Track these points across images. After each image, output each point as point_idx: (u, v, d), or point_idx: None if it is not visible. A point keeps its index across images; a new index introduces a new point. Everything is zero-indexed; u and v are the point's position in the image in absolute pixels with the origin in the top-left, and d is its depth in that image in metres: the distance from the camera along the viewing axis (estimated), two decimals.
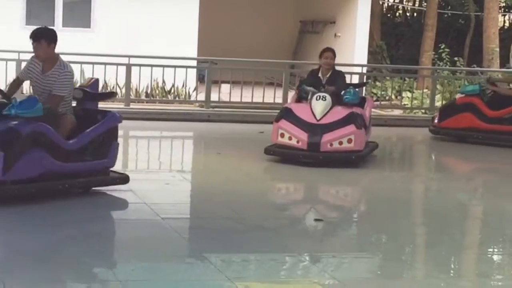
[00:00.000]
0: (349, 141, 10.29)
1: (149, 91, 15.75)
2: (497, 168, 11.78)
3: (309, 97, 10.68)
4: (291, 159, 10.29)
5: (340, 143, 10.27)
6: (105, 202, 8.13)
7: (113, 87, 15.33)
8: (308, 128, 10.31)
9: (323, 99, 10.49)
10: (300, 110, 10.57)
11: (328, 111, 10.44)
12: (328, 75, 11.00)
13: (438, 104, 16.77)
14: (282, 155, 10.46)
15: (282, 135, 10.45)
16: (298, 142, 10.30)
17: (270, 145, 10.81)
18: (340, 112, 10.48)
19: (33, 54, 8.25)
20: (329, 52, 11.17)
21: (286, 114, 10.61)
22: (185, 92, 15.94)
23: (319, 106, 10.48)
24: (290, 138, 10.37)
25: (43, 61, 8.18)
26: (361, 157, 10.53)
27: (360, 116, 10.60)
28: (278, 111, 11.26)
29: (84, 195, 8.13)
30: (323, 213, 8.35)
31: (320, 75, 11.07)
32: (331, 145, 10.25)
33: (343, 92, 10.68)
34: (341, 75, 11.22)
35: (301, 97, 10.99)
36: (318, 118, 10.40)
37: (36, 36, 8.13)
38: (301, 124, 10.39)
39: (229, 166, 10.51)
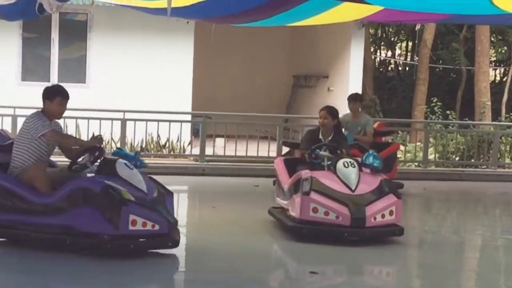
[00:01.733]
0: (391, 213, 9.15)
1: (144, 146, 15.85)
2: None
3: (325, 163, 9.60)
4: (331, 238, 8.98)
5: (383, 216, 9.11)
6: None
7: (108, 141, 15.43)
8: (347, 200, 9.02)
9: (352, 165, 9.35)
10: (328, 179, 9.27)
11: (358, 180, 9.30)
12: (330, 137, 10.06)
13: (431, 157, 16.94)
14: (320, 233, 9.04)
15: (316, 210, 9.00)
16: (338, 217, 8.96)
17: (275, 206, 10.30)
18: (371, 180, 9.39)
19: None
20: (323, 111, 10.19)
21: (315, 185, 9.14)
22: (180, 146, 16.04)
23: (351, 174, 9.29)
24: (326, 214, 8.98)
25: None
26: (403, 231, 9.29)
27: (392, 183, 9.66)
28: (272, 164, 10.90)
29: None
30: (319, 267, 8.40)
31: (320, 136, 10.13)
32: (375, 219, 9.03)
33: (366, 156, 9.64)
34: (344, 137, 10.43)
35: (313, 163, 9.75)
36: (353, 188, 9.16)
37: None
38: (336, 196, 9.07)
39: (224, 219, 10.54)
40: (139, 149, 15.69)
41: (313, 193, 9.03)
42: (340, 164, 9.33)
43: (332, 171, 9.37)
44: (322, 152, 9.70)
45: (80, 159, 8.28)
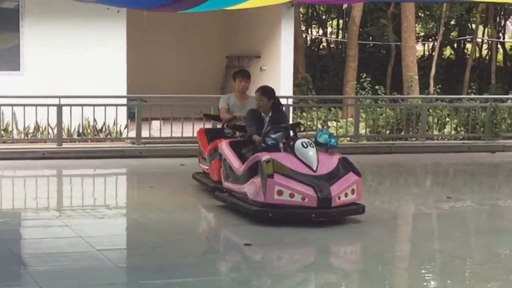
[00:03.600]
0: (353, 191, 9.10)
1: (80, 130, 16.01)
2: None
3: (281, 144, 9.43)
4: (298, 220, 8.89)
5: (346, 195, 9.03)
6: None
7: (45, 127, 15.58)
8: (311, 181, 8.90)
9: (311, 145, 9.25)
10: (288, 161, 9.11)
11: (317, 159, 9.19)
12: (270, 114, 10.07)
13: (362, 131, 17.43)
14: (287, 216, 8.90)
15: (281, 193, 8.80)
16: (304, 199, 8.81)
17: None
18: (330, 159, 9.31)
19: None
20: (257, 92, 10.24)
21: (277, 167, 8.94)
22: (116, 130, 16.22)
23: (311, 154, 9.17)
24: (292, 195, 8.80)
25: None
26: (364, 209, 9.28)
27: (350, 161, 9.47)
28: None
29: None
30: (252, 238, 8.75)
31: (263, 114, 10.11)
32: (339, 198, 8.95)
33: (320, 135, 9.60)
34: (284, 114, 10.62)
35: (267, 145, 9.50)
36: (314, 168, 9.06)
37: None
38: (299, 177, 8.93)
39: (161, 198, 10.85)
40: (76, 134, 15.89)
41: (277, 176, 8.83)
42: (298, 144, 9.23)
43: (289, 152, 9.28)
44: (273, 135, 9.53)
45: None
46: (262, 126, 9.90)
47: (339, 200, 8.94)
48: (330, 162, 9.23)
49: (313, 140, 9.45)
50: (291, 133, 9.89)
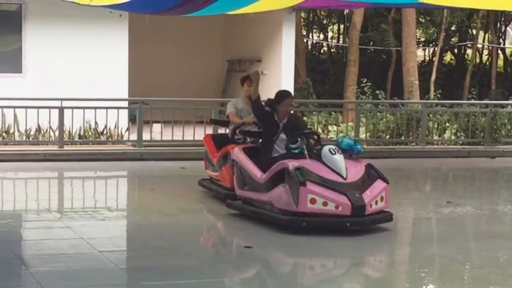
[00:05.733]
0: (382, 199, 8.93)
1: (82, 133, 16.05)
2: None
3: (305, 152, 9.17)
4: (332, 229, 8.65)
5: (376, 202, 8.86)
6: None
7: (47, 130, 15.63)
8: (344, 189, 8.67)
9: (339, 152, 9.00)
10: (317, 168, 8.85)
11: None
12: (285, 121, 9.62)
13: (362, 136, 17.47)
14: (321, 225, 8.65)
15: (314, 201, 8.54)
16: (337, 207, 8.58)
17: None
18: (357, 166, 9.09)
19: None
20: (291, 99, 9.88)
21: (308, 175, 8.69)
22: (118, 133, 16.28)
23: (340, 161, 8.92)
24: (325, 204, 8.56)
25: None
26: (392, 217, 9.15)
27: (375, 167, 9.25)
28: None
29: None
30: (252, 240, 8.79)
31: (276, 118, 9.65)
32: (371, 206, 8.76)
33: (342, 140, 9.46)
34: (302, 120, 10.38)
35: (290, 151, 9.33)
36: (345, 175, 8.81)
37: None
38: (332, 185, 8.68)
39: (162, 201, 10.90)
40: (77, 136, 15.94)
41: (309, 183, 8.57)
42: (325, 151, 8.97)
43: (315, 159, 9.04)
44: (293, 145, 9.31)
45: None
46: (275, 132, 9.55)
47: (371, 208, 8.78)
48: (358, 169, 9.02)
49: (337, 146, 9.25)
50: (315, 139, 9.60)
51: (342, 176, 8.79)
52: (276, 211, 8.89)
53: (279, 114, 9.59)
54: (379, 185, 8.98)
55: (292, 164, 8.80)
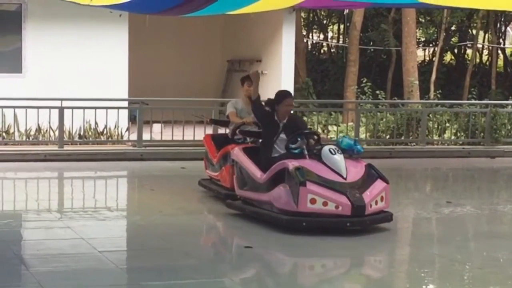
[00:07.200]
0: (382, 199, 8.94)
1: (82, 133, 16.06)
2: None
3: (305, 152, 9.15)
4: (332, 229, 8.68)
5: (376, 202, 8.87)
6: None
7: (47, 130, 15.64)
8: (344, 189, 8.68)
9: (339, 152, 9.01)
10: (317, 168, 8.86)
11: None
12: (285, 121, 9.61)
13: (362, 136, 17.47)
14: (321, 225, 8.68)
15: (314, 201, 8.54)
16: (337, 207, 8.58)
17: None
18: (357, 166, 9.11)
19: None
20: (291, 98, 9.86)
21: (307, 175, 8.71)
22: (118, 133, 16.28)
23: (340, 161, 8.93)
24: (325, 204, 8.56)
25: None
26: (392, 217, 9.17)
27: (375, 167, 9.25)
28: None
29: None
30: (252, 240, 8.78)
31: (276, 118, 9.64)
32: (371, 206, 8.77)
33: (342, 140, 9.46)
34: (302, 120, 10.38)
35: (290, 152, 9.27)
36: (345, 175, 8.83)
37: None
38: (332, 185, 8.70)
39: (162, 201, 10.90)
40: (77, 136, 15.95)
41: (309, 183, 8.57)
42: (325, 151, 8.97)
43: (315, 158, 9.02)
44: (293, 145, 9.29)
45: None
46: (275, 132, 9.54)
47: (371, 208, 8.78)
48: (358, 169, 9.03)
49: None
50: (315, 139, 9.58)
51: (342, 176, 8.79)
52: (276, 211, 8.88)
53: (279, 114, 9.58)
54: (379, 185, 8.98)
55: (292, 164, 8.79)
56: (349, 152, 9.26)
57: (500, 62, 31.64)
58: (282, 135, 9.51)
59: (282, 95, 9.75)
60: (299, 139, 9.32)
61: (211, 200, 10.78)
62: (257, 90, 9.80)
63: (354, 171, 8.94)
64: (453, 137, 17.97)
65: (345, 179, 8.78)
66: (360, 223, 8.78)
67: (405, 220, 10.46)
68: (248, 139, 10.66)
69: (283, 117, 9.60)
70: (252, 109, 9.97)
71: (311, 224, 8.62)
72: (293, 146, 9.29)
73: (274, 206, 8.92)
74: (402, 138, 17.57)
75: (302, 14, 28.56)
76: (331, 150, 8.98)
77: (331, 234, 8.61)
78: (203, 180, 11.52)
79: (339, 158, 8.92)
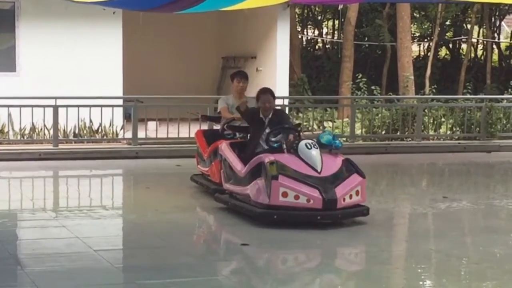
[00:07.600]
0: (357, 193, 9.00)
1: (76, 131, 16.03)
2: None
3: (284, 146, 9.24)
4: (303, 222, 8.79)
5: (350, 196, 8.94)
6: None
7: (41, 128, 15.60)
8: (316, 183, 8.77)
9: (315, 147, 9.10)
10: (292, 162, 8.98)
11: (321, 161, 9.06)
12: (270, 116, 9.83)
13: (358, 132, 17.45)
14: (292, 218, 8.79)
15: (285, 195, 8.68)
16: (309, 201, 8.69)
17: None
18: (333, 160, 9.17)
19: None
20: (267, 95, 9.93)
21: (281, 169, 8.82)
22: (113, 131, 16.25)
23: (315, 155, 9.03)
24: (297, 197, 8.68)
25: None
26: (369, 211, 9.20)
27: (353, 162, 9.32)
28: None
29: None
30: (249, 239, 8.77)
31: (261, 115, 9.87)
32: (344, 200, 8.85)
33: (322, 136, 9.48)
34: (286, 115, 10.57)
35: (270, 146, 9.44)
36: (319, 169, 8.92)
37: None
38: (304, 178, 8.81)
39: (158, 199, 10.88)
40: (72, 135, 15.91)
41: (282, 177, 8.71)
42: (302, 145, 9.09)
43: (293, 153, 9.12)
44: (273, 139, 9.46)
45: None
46: (261, 128, 9.75)
47: (344, 202, 8.85)
48: (334, 164, 9.09)
49: (315, 141, 9.30)
50: (294, 134, 9.67)
51: (316, 170, 8.91)
52: (253, 203, 9.06)
53: (262, 111, 9.84)
54: (354, 179, 9.04)
55: (268, 158, 8.96)
56: (329, 147, 9.35)
57: (495, 56, 31.62)
58: (268, 131, 9.67)
59: (259, 92, 10.01)
60: (280, 133, 9.50)
61: (206, 197, 10.75)
62: (246, 106, 10.15)
63: (329, 166, 9.03)
64: (448, 132, 17.96)
65: (319, 173, 8.89)
66: (331, 217, 8.89)
67: (401, 215, 10.46)
68: (237, 134, 10.76)
69: (267, 113, 9.83)
70: (243, 118, 10.21)
71: (282, 217, 8.75)
72: (273, 139, 9.46)
73: (251, 199, 9.10)
74: (398, 133, 17.55)
75: (297, 10, 28.52)
76: (307, 144, 9.10)
77: (328, 228, 8.66)
78: (195, 176, 11.62)
79: (315, 152, 9.04)
